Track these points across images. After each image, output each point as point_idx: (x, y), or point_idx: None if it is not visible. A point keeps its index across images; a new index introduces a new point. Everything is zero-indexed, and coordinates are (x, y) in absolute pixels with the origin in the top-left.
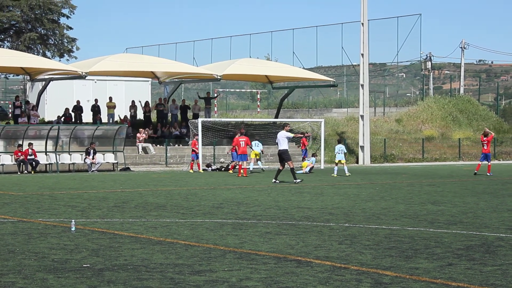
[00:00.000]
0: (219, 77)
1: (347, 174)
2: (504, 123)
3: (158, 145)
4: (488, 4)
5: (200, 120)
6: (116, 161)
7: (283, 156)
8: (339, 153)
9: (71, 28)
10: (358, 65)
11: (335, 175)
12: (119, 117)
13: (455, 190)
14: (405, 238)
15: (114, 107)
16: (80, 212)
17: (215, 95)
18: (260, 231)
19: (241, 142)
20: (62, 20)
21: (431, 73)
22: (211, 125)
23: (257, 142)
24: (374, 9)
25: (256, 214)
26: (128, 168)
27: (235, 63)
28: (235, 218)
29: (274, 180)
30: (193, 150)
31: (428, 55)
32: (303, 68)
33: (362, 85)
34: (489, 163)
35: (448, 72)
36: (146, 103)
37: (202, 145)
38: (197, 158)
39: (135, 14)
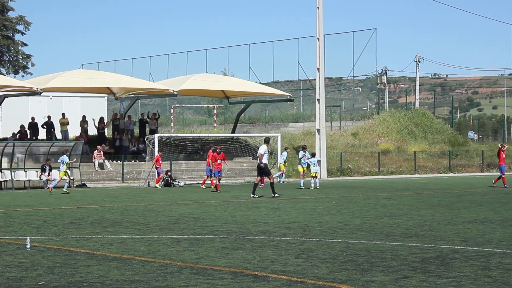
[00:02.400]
0: (175, 93)
1: (317, 187)
2: (459, 136)
3: (114, 161)
4: (443, 18)
5: (156, 135)
6: (72, 178)
7: (265, 170)
8: (314, 166)
9: (26, 45)
10: (314, 79)
11: (315, 187)
12: (81, 134)
13: (411, 203)
14: (361, 252)
15: (68, 123)
16: (35, 229)
17: (148, 116)
18: (216, 246)
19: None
20: (17, 37)
21: (387, 87)
22: (168, 141)
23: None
24: (330, 24)
25: (213, 229)
26: (84, 185)
27: (192, 79)
28: (192, 233)
29: (254, 195)
30: (156, 166)
31: (383, 69)
32: (260, 83)
33: (318, 100)
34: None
35: (404, 86)
36: (101, 119)
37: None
38: (158, 172)
39: (91, 30)
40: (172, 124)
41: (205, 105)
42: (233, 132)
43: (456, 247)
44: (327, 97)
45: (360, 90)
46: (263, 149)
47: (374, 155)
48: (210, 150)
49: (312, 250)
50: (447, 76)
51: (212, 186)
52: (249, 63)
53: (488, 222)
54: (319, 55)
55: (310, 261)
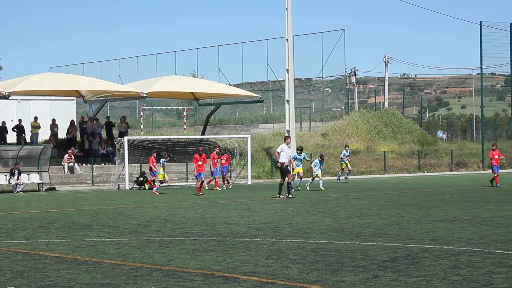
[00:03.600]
0: (144, 95)
1: (308, 188)
2: (428, 135)
3: (84, 164)
4: (411, 18)
5: (126, 138)
6: (41, 181)
7: (283, 170)
8: (316, 166)
9: None
10: (284, 80)
11: (323, 188)
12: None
13: (380, 203)
14: (331, 252)
15: (39, 127)
16: (4, 233)
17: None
18: (187, 248)
19: (198, 161)
20: None
21: (356, 88)
22: (137, 143)
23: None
24: (299, 25)
25: (183, 231)
26: (54, 188)
27: (161, 81)
28: (162, 235)
29: (279, 195)
30: (151, 168)
31: (352, 70)
32: (229, 84)
33: (288, 101)
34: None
35: (373, 86)
36: (71, 122)
37: (129, 163)
38: (155, 174)
39: (59, 33)
40: (141, 127)
41: (174, 107)
42: (203, 134)
43: (425, 246)
44: (296, 98)
45: (330, 91)
46: (280, 147)
47: None
48: (214, 152)
49: (283, 251)
50: (416, 76)
51: (216, 188)
52: (218, 65)
53: (457, 221)
54: (288, 56)
55: (280, 262)
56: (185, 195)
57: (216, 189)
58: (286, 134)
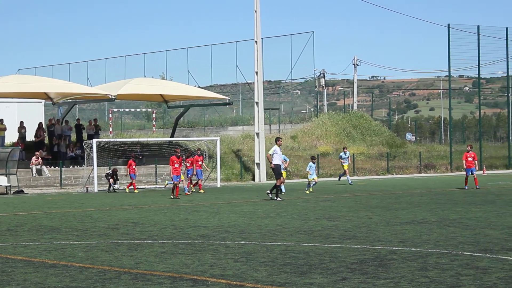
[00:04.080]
0: (113, 97)
1: (311, 191)
2: (396, 138)
3: (52, 167)
4: (380, 21)
5: (95, 140)
6: (9, 184)
7: (278, 171)
8: (311, 169)
9: None
10: (253, 83)
11: (311, 190)
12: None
13: (349, 205)
14: (300, 254)
15: (5, 129)
16: None
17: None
18: (155, 251)
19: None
20: None
21: (325, 90)
22: (106, 146)
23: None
24: (268, 27)
25: (152, 234)
26: (22, 191)
27: (130, 83)
28: (131, 238)
29: (276, 198)
30: (129, 171)
31: (321, 72)
32: (198, 86)
33: (257, 103)
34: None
35: (342, 88)
36: (39, 125)
37: (98, 165)
38: (135, 177)
39: (27, 35)
40: (110, 129)
41: (143, 110)
42: (172, 136)
43: (394, 248)
44: (266, 100)
45: (299, 93)
46: (272, 149)
47: None
48: (196, 156)
49: (251, 253)
50: (384, 78)
51: (200, 190)
52: (187, 67)
53: (425, 223)
54: (257, 59)
55: (249, 265)
56: (154, 197)
57: (201, 192)
58: (278, 136)
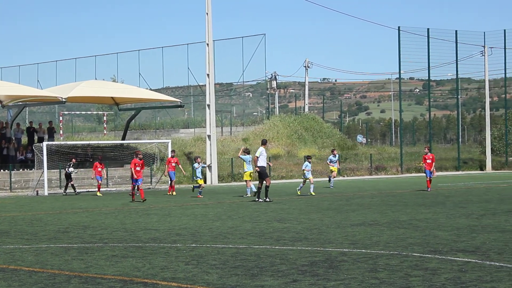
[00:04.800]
0: (64, 100)
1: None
2: (347, 140)
3: (2, 170)
4: (331, 24)
5: (45, 143)
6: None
7: (262, 173)
8: (307, 167)
9: None
10: (205, 85)
11: (313, 193)
12: None
13: (300, 207)
14: (251, 257)
15: None
16: None
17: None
18: (106, 254)
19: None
20: None
21: (277, 92)
22: (57, 149)
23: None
24: (219, 30)
25: (102, 238)
26: None
27: (81, 85)
28: (81, 242)
29: (258, 199)
30: (94, 173)
31: (273, 74)
32: (150, 89)
33: (209, 105)
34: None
35: (293, 90)
36: None
37: (48, 168)
38: (101, 180)
39: None
40: (61, 132)
41: (94, 112)
42: (123, 139)
43: (344, 250)
44: (217, 103)
45: (251, 95)
46: (258, 151)
47: None
48: (136, 158)
49: (203, 256)
50: (336, 80)
51: (169, 193)
52: (139, 70)
53: (376, 224)
54: (209, 61)
55: (200, 267)
56: (105, 200)
57: (173, 194)
58: (263, 139)
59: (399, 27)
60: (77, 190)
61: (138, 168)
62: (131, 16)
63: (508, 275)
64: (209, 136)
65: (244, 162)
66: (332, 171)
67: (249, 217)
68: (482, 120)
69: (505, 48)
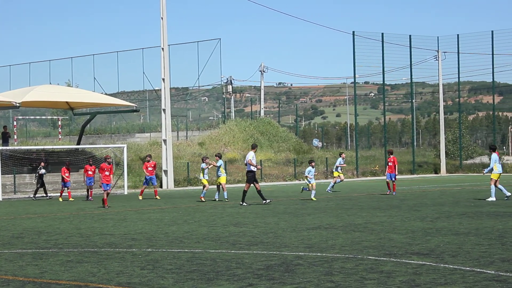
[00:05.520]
0: (18, 104)
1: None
2: (303, 144)
3: None
4: (286, 28)
5: None
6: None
7: (252, 178)
8: (310, 173)
9: None
10: (160, 89)
11: (314, 199)
12: None
13: (257, 211)
14: (207, 261)
15: None
16: None
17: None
18: (61, 259)
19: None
20: None
21: (233, 97)
22: (11, 154)
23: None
24: (175, 34)
25: (57, 243)
26: None
27: (35, 90)
28: (36, 247)
29: (241, 203)
30: (63, 178)
31: (228, 79)
32: (105, 93)
33: (164, 110)
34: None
35: (249, 95)
36: None
37: (2, 174)
38: (66, 185)
39: None
40: (15, 137)
41: (49, 117)
42: (78, 143)
43: (300, 253)
44: (173, 107)
45: (207, 100)
46: (251, 155)
47: None
48: (105, 163)
49: (158, 260)
50: (291, 85)
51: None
52: (93, 74)
53: (331, 228)
54: (164, 66)
55: (155, 272)
56: (60, 205)
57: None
58: (253, 143)
59: (353, 32)
60: (37, 195)
61: (107, 173)
62: (85, 21)
63: (462, 277)
64: (164, 141)
65: (221, 167)
66: (339, 175)
67: (205, 221)
68: (436, 124)
69: (458, 53)
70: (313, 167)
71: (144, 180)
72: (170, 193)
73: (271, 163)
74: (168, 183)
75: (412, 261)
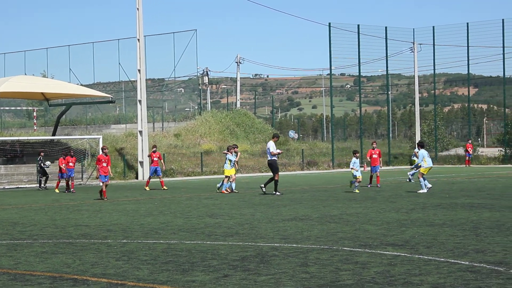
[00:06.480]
0: None
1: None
2: (279, 135)
3: None
4: (262, 19)
5: None
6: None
7: (270, 167)
8: (355, 165)
9: None
10: (136, 81)
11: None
12: None
13: (232, 202)
14: (183, 252)
15: None
16: None
17: None
18: (36, 251)
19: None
20: None
21: (209, 88)
22: None
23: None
24: (151, 25)
25: (32, 234)
26: None
27: (10, 81)
28: (10, 238)
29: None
30: (60, 169)
31: (205, 70)
32: (81, 84)
33: (140, 101)
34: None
35: (225, 86)
36: None
37: None
38: (62, 177)
39: None
40: None
41: (24, 108)
42: (53, 134)
43: (275, 244)
44: (149, 98)
45: (183, 91)
46: (271, 145)
47: (196, 156)
48: (102, 154)
49: (133, 252)
50: (268, 76)
51: (163, 187)
52: (69, 65)
53: (307, 219)
54: (140, 57)
55: (131, 263)
56: (35, 197)
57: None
58: (274, 133)
59: (329, 23)
60: (9, 186)
61: (104, 164)
62: (61, 11)
63: (436, 268)
64: (140, 132)
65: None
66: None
67: (180, 212)
68: (412, 116)
69: (434, 45)
70: (357, 158)
71: (150, 171)
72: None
73: (247, 154)
74: (144, 174)
75: (387, 252)
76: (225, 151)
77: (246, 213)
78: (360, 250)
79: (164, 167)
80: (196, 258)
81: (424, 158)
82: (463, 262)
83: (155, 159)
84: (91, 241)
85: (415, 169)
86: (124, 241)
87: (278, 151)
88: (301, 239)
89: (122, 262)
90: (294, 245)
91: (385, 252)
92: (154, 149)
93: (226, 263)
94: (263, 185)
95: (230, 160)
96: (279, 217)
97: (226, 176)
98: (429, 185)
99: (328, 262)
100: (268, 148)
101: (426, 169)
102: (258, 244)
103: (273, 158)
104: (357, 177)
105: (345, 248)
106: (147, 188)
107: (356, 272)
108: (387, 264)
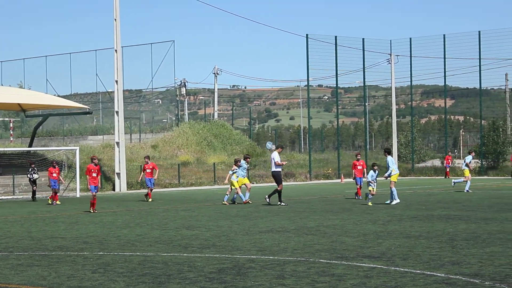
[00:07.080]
0: None
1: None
2: (257, 146)
3: None
4: (240, 31)
5: None
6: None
7: (274, 178)
8: (372, 177)
9: None
10: (113, 91)
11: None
12: None
13: (209, 214)
14: (159, 264)
15: None
16: None
17: None
18: (11, 263)
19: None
20: None
21: (186, 99)
22: None
23: None
24: (128, 36)
25: (8, 246)
26: None
27: None
28: None
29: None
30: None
31: (182, 81)
32: (58, 95)
33: (117, 112)
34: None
35: (203, 97)
36: None
37: None
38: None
39: None
40: None
41: (0, 119)
42: (30, 146)
43: (252, 256)
44: (127, 110)
45: (160, 102)
46: (276, 155)
47: (174, 167)
48: (91, 164)
49: (110, 264)
50: (245, 87)
51: (150, 198)
52: (46, 76)
53: (283, 231)
54: (117, 67)
55: (107, 276)
56: (11, 208)
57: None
58: (278, 144)
59: (307, 35)
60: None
61: (94, 174)
62: (38, 22)
63: (412, 280)
64: (117, 143)
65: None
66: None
67: (157, 224)
68: (389, 127)
69: (410, 56)
70: (375, 171)
71: (146, 183)
72: (123, 196)
73: (225, 166)
74: (121, 185)
75: (364, 264)
76: (235, 169)
77: (223, 225)
78: (336, 262)
79: (156, 176)
80: (173, 270)
81: (393, 166)
82: (439, 274)
83: (148, 170)
84: (67, 253)
85: (388, 177)
86: (101, 253)
87: (283, 162)
88: (278, 251)
89: (98, 274)
90: (271, 257)
91: (361, 264)
92: (147, 160)
93: (203, 275)
94: (267, 196)
95: (236, 172)
96: (256, 229)
97: (234, 187)
98: (397, 200)
99: (305, 274)
100: (273, 159)
101: (395, 176)
102: (235, 256)
103: (277, 169)
104: (374, 189)
105: (322, 260)
106: (150, 199)
107: (332, 284)
108: (364, 276)
